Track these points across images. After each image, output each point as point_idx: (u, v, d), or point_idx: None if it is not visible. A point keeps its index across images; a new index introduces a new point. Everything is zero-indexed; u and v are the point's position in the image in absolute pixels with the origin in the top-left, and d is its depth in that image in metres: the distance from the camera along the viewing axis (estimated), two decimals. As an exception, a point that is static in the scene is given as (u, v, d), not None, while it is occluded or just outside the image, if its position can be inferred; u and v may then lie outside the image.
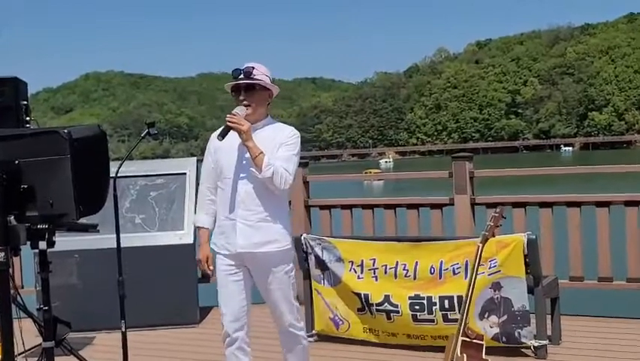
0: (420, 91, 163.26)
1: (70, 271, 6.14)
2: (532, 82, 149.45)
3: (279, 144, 3.73)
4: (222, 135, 3.65)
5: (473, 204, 6.31)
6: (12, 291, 5.01)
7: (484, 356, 3.64)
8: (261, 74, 3.79)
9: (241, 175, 3.71)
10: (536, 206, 6.13)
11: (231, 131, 3.66)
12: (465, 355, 3.60)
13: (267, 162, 3.63)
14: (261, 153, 3.64)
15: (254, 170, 3.65)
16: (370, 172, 51.59)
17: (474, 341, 3.64)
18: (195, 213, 3.99)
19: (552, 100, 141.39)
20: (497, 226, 3.90)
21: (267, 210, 3.71)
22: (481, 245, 3.89)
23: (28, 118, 4.96)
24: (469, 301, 3.80)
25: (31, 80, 5.27)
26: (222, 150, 3.78)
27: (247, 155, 3.68)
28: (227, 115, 3.66)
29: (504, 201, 6.18)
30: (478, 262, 3.87)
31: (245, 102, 3.71)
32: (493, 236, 3.95)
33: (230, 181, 3.72)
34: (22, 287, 6.73)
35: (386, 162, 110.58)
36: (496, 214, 3.91)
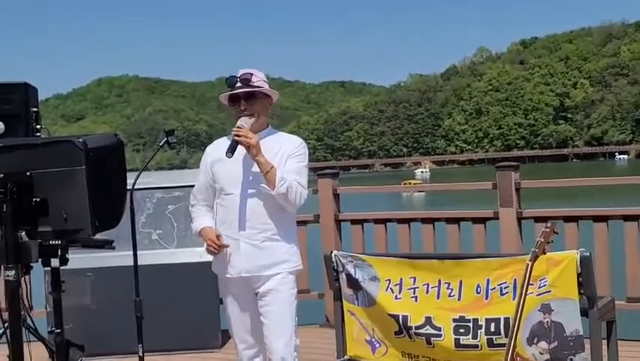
0: (459, 95, 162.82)
1: (83, 290, 6.20)
2: (583, 84, 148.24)
3: (287, 155, 3.68)
4: (232, 152, 3.58)
5: (520, 218, 6.25)
6: (22, 313, 5.10)
7: (533, 386, 3.59)
8: (260, 80, 3.75)
9: (246, 191, 3.64)
10: (590, 220, 6.07)
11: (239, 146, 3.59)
12: (513, 384, 3.56)
13: (280, 177, 3.58)
14: (273, 167, 3.59)
15: (264, 186, 3.58)
16: (410, 183, 51.43)
17: (523, 368, 3.59)
18: (192, 223, 3.90)
19: (605, 103, 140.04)
20: (548, 243, 3.86)
21: (274, 229, 3.67)
22: (530, 263, 3.85)
23: (38, 126, 5.03)
24: (518, 325, 3.76)
25: (40, 86, 5.36)
26: (222, 164, 3.71)
27: (253, 169, 3.63)
28: (234, 128, 3.60)
29: (554, 215, 6.12)
30: (528, 282, 3.83)
31: (247, 112, 3.65)
32: (544, 253, 3.91)
33: (233, 197, 3.66)
34: (32, 308, 6.78)
35: (422, 172, 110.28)
36: (547, 229, 3.88)
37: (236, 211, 3.64)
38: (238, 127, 3.58)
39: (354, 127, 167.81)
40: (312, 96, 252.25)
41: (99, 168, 2.73)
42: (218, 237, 3.67)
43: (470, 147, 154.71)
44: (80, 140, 2.69)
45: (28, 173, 2.70)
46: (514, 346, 3.72)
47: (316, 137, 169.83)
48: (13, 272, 2.69)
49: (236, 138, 3.55)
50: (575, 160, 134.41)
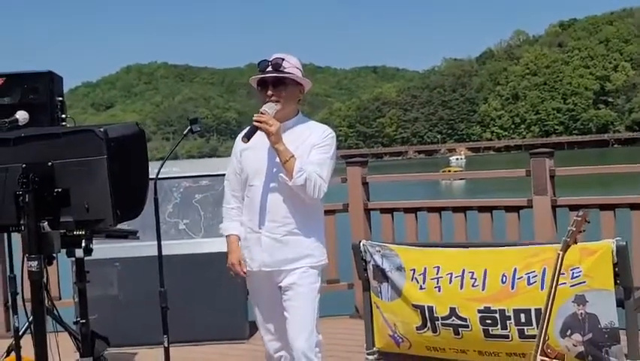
0: (495, 79, 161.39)
1: (110, 281, 6.28)
2: (624, 67, 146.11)
3: (312, 145, 3.63)
4: (248, 137, 3.57)
5: (554, 207, 6.21)
6: (47, 303, 5.18)
7: (565, 378, 3.58)
8: (292, 66, 3.68)
9: (269, 182, 3.62)
10: (627, 208, 6.00)
11: (258, 132, 3.56)
12: (543, 376, 3.55)
13: (298, 167, 3.52)
14: (292, 157, 3.54)
15: (282, 176, 3.55)
16: (450, 170, 50.98)
17: (554, 360, 3.58)
18: (222, 222, 3.92)
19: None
20: (580, 232, 3.83)
21: (296, 222, 3.63)
22: (561, 253, 3.82)
23: (63, 115, 5.09)
24: (549, 316, 3.74)
25: (69, 74, 5.42)
26: (249, 153, 3.70)
27: (276, 160, 3.59)
28: (255, 114, 3.56)
29: (590, 203, 6.06)
30: (559, 273, 3.80)
31: (273, 98, 3.61)
32: (575, 243, 3.88)
33: (256, 189, 3.65)
34: (60, 298, 6.91)
35: (457, 159, 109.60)
36: (579, 218, 3.85)
37: (257, 204, 3.63)
38: (260, 112, 3.54)
39: (387, 113, 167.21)
40: (344, 82, 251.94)
41: (121, 157, 2.76)
42: (240, 263, 3.75)
43: (507, 133, 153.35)
44: (102, 129, 2.72)
45: (50, 163, 2.74)
46: (545, 338, 3.69)
47: (348, 124, 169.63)
48: (35, 263, 2.73)
49: (255, 123, 3.52)
50: (616, 146, 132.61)
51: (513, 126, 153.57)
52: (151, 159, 5.11)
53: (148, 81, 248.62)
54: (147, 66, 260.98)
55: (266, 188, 3.62)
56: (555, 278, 3.81)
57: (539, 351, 3.61)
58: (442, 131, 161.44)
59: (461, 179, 39.38)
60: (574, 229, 3.82)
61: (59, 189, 2.74)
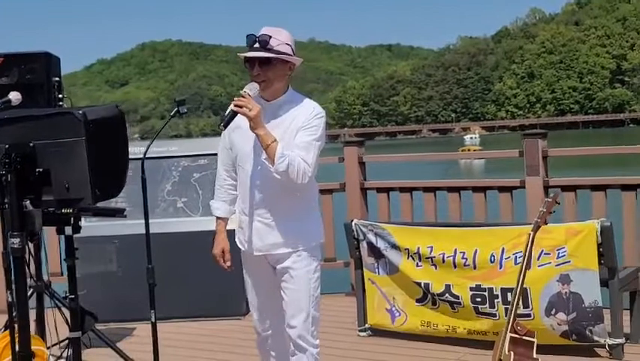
0: (510, 57, 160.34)
1: (108, 257, 6.40)
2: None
3: (297, 128, 3.49)
4: (225, 124, 3.42)
5: (547, 187, 6.26)
6: (46, 279, 5.30)
7: (534, 355, 3.66)
8: (281, 42, 3.48)
9: (257, 166, 3.53)
10: (618, 189, 6.05)
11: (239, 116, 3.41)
12: (512, 353, 3.63)
13: (280, 152, 3.37)
14: (274, 141, 3.39)
15: (264, 161, 3.45)
16: (470, 149, 50.56)
17: (524, 337, 3.67)
18: (213, 199, 3.83)
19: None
20: (550, 213, 3.90)
21: (286, 206, 3.57)
22: (532, 233, 3.90)
23: (60, 95, 5.17)
24: (518, 294, 3.82)
25: (84, 51, 5.49)
26: (238, 134, 3.58)
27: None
28: (235, 98, 3.41)
29: (581, 184, 6.14)
30: (530, 252, 3.88)
31: (259, 78, 3.47)
32: (545, 223, 3.96)
33: (245, 172, 3.58)
34: (62, 274, 7.05)
35: (471, 138, 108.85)
36: (550, 200, 3.92)
37: (247, 188, 3.59)
38: (242, 95, 3.40)
39: (401, 92, 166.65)
40: (358, 60, 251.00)
41: (99, 139, 2.85)
42: (224, 254, 3.76)
43: (522, 112, 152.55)
44: (80, 112, 2.81)
45: (32, 144, 2.84)
46: (515, 314, 3.78)
47: (362, 102, 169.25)
48: (18, 240, 2.83)
49: (234, 108, 3.37)
50: (631, 125, 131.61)
51: (528, 105, 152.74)
52: (163, 136, 5.20)
53: (162, 59, 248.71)
54: (162, 44, 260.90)
55: (254, 172, 3.55)
56: (525, 259, 3.89)
57: (509, 328, 3.70)
58: (456, 110, 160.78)
59: (482, 158, 39.03)
60: (544, 210, 3.90)
61: (40, 170, 2.84)
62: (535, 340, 3.66)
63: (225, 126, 3.44)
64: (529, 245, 3.86)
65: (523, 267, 3.85)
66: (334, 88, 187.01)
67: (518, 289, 3.81)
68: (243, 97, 3.39)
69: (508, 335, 3.67)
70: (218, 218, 3.82)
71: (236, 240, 3.81)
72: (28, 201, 2.86)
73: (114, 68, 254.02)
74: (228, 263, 3.76)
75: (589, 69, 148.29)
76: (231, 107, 3.38)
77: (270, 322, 3.85)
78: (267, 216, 3.58)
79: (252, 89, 3.45)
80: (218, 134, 3.80)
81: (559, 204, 3.99)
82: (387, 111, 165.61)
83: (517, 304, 3.81)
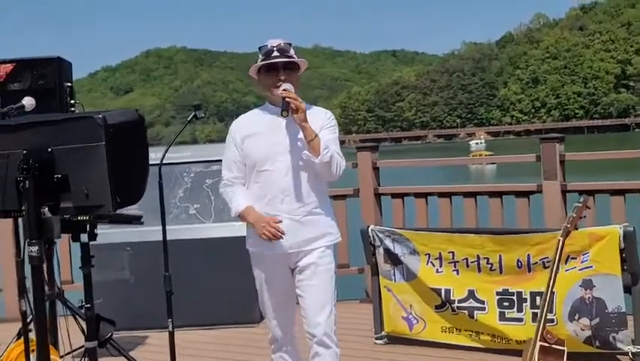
0: (515, 63, 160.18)
1: (121, 265, 6.33)
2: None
3: (319, 127, 3.64)
4: (288, 111, 3.53)
5: (564, 192, 6.18)
6: (58, 286, 5.22)
7: (565, 364, 3.58)
8: (293, 51, 3.72)
9: (283, 165, 3.62)
10: (637, 193, 5.95)
11: (260, 117, 3.64)
12: (543, 362, 3.56)
13: (324, 145, 3.55)
14: (317, 135, 3.56)
15: (307, 153, 3.55)
16: (482, 154, 50.41)
17: (553, 346, 3.58)
18: (230, 203, 3.74)
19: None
20: (581, 218, 3.82)
21: (314, 202, 3.66)
22: (562, 239, 3.82)
23: (72, 101, 5.11)
24: (548, 301, 3.74)
25: (89, 59, 5.45)
26: (254, 140, 3.68)
27: (286, 142, 3.62)
28: (282, 90, 3.56)
29: (600, 188, 6.05)
30: (559, 259, 3.80)
31: (286, 83, 3.62)
32: (576, 229, 3.87)
33: (269, 173, 3.63)
34: (72, 282, 6.99)
35: (477, 143, 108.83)
36: (579, 204, 3.84)
37: (273, 187, 3.62)
38: (285, 89, 3.56)
39: (406, 97, 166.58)
40: (363, 66, 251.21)
41: (119, 144, 2.77)
42: (275, 220, 3.58)
43: (527, 117, 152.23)
44: (100, 116, 2.74)
45: (50, 149, 2.76)
46: (545, 322, 3.69)
47: (367, 108, 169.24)
48: (36, 248, 2.76)
49: (288, 99, 3.51)
50: (637, 130, 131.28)
51: (533, 110, 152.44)
52: (170, 143, 5.15)
53: (167, 65, 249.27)
54: (166, 50, 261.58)
55: (282, 170, 3.62)
56: (555, 264, 3.80)
57: (539, 337, 3.61)
58: (461, 116, 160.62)
59: (494, 163, 38.71)
60: (574, 215, 3.82)
61: (59, 175, 2.76)
62: (565, 348, 3.58)
63: (288, 113, 3.52)
64: (560, 250, 3.78)
65: (553, 273, 3.77)
66: (339, 94, 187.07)
67: (548, 296, 3.72)
68: (287, 90, 3.56)
69: (538, 343, 3.59)
70: (243, 210, 3.67)
71: (251, 245, 3.80)
72: (46, 208, 2.78)
73: (119, 75, 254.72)
74: (279, 226, 3.60)
75: (593, 74, 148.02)
76: (281, 94, 3.53)
77: (288, 327, 3.85)
78: (298, 212, 3.64)
79: (290, 87, 3.60)
80: (225, 140, 3.80)
81: (589, 208, 3.91)
82: (393, 117, 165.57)
83: (547, 312, 3.72)
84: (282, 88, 3.59)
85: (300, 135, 3.61)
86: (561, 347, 3.59)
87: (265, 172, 3.65)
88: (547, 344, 3.58)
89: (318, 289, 3.67)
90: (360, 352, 5.40)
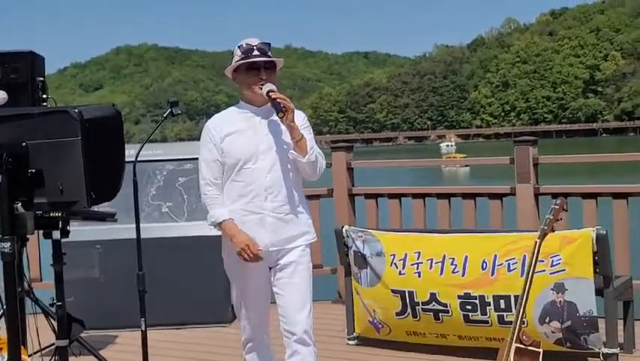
0: (485, 67, 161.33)
1: (91, 263, 6.25)
2: (614, 56, 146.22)
3: (299, 127, 3.66)
4: (283, 112, 3.54)
5: (537, 195, 6.22)
6: (26, 284, 5.14)
7: (540, 365, 3.59)
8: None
9: (267, 163, 3.64)
10: (609, 197, 6.01)
11: (244, 115, 3.66)
12: (518, 363, 3.56)
13: (310, 144, 3.62)
14: (303, 135, 3.62)
15: (294, 153, 3.60)
16: (456, 156, 50.63)
17: (529, 347, 3.60)
18: (210, 210, 3.71)
19: (636, 77, 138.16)
20: (557, 220, 3.84)
21: (296, 200, 3.70)
22: (538, 241, 3.83)
23: (45, 96, 5.05)
24: (524, 304, 3.75)
25: (58, 54, 5.38)
26: (236, 137, 3.67)
27: (269, 141, 3.64)
28: (270, 91, 3.57)
29: (572, 191, 6.09)
30: (536, 261, 3.81)
31: (267, 82, 3.63)
32: (553, 231, 3.89)
33: (253, 171, 3.63)
34: (41, 280, 6.90)
35: (447, 145, 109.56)
36: (556, 206, 3.86)
37: (257, 185, 3.62)
38: (270, 90, 3.57)
39: (378, 99, 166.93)
40: (335, 67, 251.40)
41: (95, 139, 2.73)
42: (257, 246, 3.58)
43: (496, 120, 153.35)
44: (76, 110, 2.69)
45: (24, 144, 2.71)
46: (521, 325, 3.70)
47: (338, 109, 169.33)
48: (8, 244, 2.70)
49: (279, 99, 3.55)
50: (604, 135, 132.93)
51: (503, 114, 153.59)
52: (140, 141, 5.10)
53: (138, 63, 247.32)
54: (137, 48, 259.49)
55: (265, 168, 3.63)
56: (532, 266, 3.81)
57: (515, 338, 3.62)
58: (432, 118, 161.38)
59: (467, 165, 38.97)
60: (551, 217, 3.83)
61: (33, 170, 2.71)
62: (540, 350, 3.59)
63: (284, 114, 3.55)
64: (536, 253, 3.79)
65: (530, 274, 3.78)
66: (311, 94, 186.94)
67: (525, 297, 3.74)
68: (274, 91, 3.58)
69: (514, 345, 3.59)
70: (225, 222, 3.67)
71: (227, 246, 3.76)
72: (19, 204, 2.73)
73: (88, 71, 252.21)
74: (260, 248, 3.62)
75: (562, 79, 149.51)
76: (264, 92, 3.58)
77: (263, 327, 3.84)
78: (281, 211, 3.66)
79: (273, 87, 3.62)
80: (195, 139, 3.79)
81: (566, 211, 3.93)
82: (364, 118, 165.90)
83: (523, 313, 3.73)
84: (267, 89, 3.60)
85: (282, 134, 3.65)
86: (537, 349, 3.60)
87: (247, 170, 3.64)
88: (523, 346, 3.59)
89: (299, 287, 3.69)
90: (333, 352, 5.39)
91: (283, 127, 3.65)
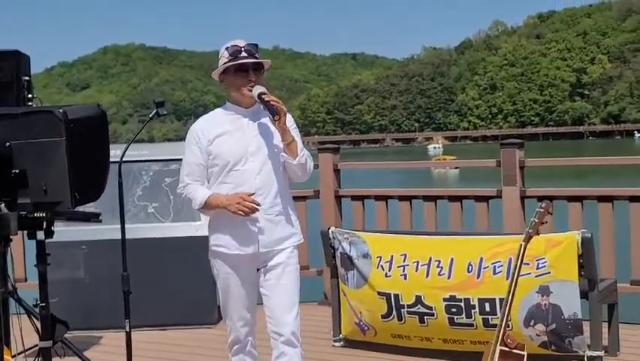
0: (473, 69, 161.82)
1: (76, 264, 6.21)
2: (601, 59, 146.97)
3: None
4: (279, 115, 3.55)
5: (523, 197, 6.23)
6: (12, 284, 5.11)
7: (524, 368, 3.59)
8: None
9: (256, 165, 3.64)
10: (595, 200, 6.03)
11: (231, 116, 3.67)
12: (502, 366, 3.57)
13: (300, 146, 3.65)
14: (294, 138, 3.64)
15: (285, 155, 3.62)
16: (446, 159, 50.66)
17: (514, 350, 3.60)
18: (193, 200, 3.66)
19: (623, 80, 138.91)
20: (543, 223, 3.84)
21: (284, 201, 3.71)
22: (523, 244, 3.84)
23: (30, 95, 5.01)
24: (509, 307, 3.76)
25: (45, 53, 5.33)
26: (224, 139, 3.65)
27: (258, 143, 3.64)
28: (263, 94, 3.57)
29: (558, 195, 6.11)
30: (521, 264, 3.82)
31: (256, 84, 3.64)
32: (538, 234, 3.90)
33: (242, 172, 3.62)
34: (26, 280, 6.86)
35: (435, 147, 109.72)
36: (542, 210, 3.86)
37: (246, 186, 3.60)
38: (262, 92, 3.58)
39: (365, 101, 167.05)
40: (323, 68, 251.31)
41: (80, 139, 2.72)
42: (247, 194, 3.54)
43: (484, 123, 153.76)
44: (61, 110, 2.67)
45: (8, 144, 2.69)
46: (505, 328, 3.71)
47: (326, 110, 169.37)
48: (-9, 244, 2.68)
49: (273, 102, 3.56)
50: (590, 138, 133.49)
51: (490, 116, 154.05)
52: (127, 141, 5.07)
53: (125, 63, 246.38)
54: (124, 47, 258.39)
55: (255, 170, 3.63)
56: (517, 269, 3.82)
57: (499, 341, 3.62)
58: (419, 120, 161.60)
59: (457, 168, 38.96)
60: (536, 220, 3.84)
61: (17, 170, 2.69)
62: (525, 353, 3.60)
63: (279, 115, 3.55)
64: (521, 256, 3.80)
65: (515, 279, 3.78)
66: (299, 96, 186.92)
67: (510, 300, 3.74)
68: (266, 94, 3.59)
69: (498, 347, 3.60)
70: (208, 198, 3.63)
71: (216, 246, 3.75)
72: (3, 204, 2.71)
73: (75, 71, 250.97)
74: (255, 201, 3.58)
75: (549, 82, 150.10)
76: (255, 95, 3.58)
77: (250, 328, 3.84)
78: (271, 212, 3.66)
79: (264, 90, 3.62)
80: (182, 139, 3.78)
81: (551, 214, 3.94)
82: (351, 120, 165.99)
83: (508, 316, 3.74)
84: (257, 91, 3.60)
85: (270, 135, 3.67)
86: (521, 352, 3.61)
87: (237, 172, 3.64)
88: (507, 349, 3.60)
89: (287, 288, 3.69)
90: (319, 354, 5.38)
91: (272, 128, 3.66)
